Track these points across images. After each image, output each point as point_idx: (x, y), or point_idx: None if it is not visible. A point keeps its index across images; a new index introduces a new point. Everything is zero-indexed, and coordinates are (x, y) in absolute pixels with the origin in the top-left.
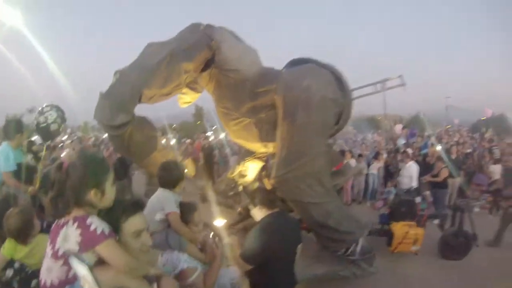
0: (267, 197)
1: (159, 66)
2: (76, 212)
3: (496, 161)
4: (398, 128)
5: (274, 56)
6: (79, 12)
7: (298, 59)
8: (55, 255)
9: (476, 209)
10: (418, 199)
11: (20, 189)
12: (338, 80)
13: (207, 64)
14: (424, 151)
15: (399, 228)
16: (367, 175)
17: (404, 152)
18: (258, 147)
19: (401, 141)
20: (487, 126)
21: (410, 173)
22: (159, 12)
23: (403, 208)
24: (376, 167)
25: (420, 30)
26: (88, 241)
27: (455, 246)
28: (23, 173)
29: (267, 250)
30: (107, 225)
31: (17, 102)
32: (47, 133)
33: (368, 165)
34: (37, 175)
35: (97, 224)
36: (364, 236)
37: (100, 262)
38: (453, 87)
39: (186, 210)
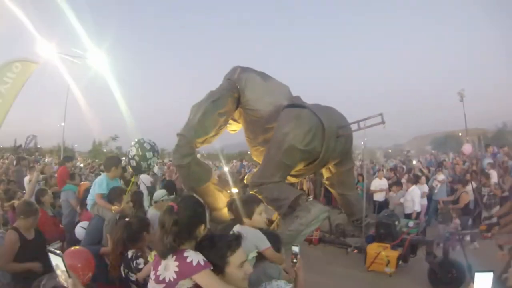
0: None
1: (200, 122)
2: (182, 246)
3: None
4: (468, 148)
5: None
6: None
7: (297, 103)
8: (157, 280)
9: (467, 238)
10: (410, 223)
11: (107, 208)
12: (324, 128)
13: (238, 103)
14: None
15: (372, 248)
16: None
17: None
18: None
19: (486, 161)
20: None
21: (412, 197)
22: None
23: (381, 230)
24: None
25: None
26: (184, 271)
27: (442, 276)
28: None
29: None
30: (203, 257)
31: (100, 130)
32: (135, 168)
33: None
34: (124, 196)
35: (193, 256)
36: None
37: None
38: None
39: (277, 241)
